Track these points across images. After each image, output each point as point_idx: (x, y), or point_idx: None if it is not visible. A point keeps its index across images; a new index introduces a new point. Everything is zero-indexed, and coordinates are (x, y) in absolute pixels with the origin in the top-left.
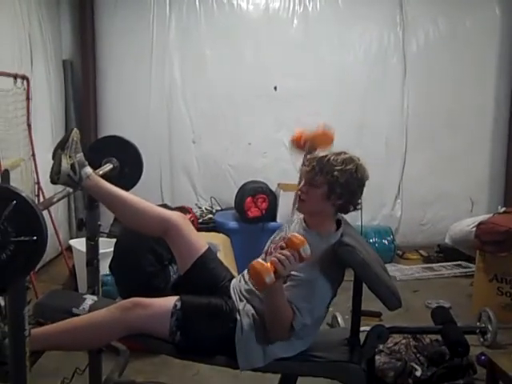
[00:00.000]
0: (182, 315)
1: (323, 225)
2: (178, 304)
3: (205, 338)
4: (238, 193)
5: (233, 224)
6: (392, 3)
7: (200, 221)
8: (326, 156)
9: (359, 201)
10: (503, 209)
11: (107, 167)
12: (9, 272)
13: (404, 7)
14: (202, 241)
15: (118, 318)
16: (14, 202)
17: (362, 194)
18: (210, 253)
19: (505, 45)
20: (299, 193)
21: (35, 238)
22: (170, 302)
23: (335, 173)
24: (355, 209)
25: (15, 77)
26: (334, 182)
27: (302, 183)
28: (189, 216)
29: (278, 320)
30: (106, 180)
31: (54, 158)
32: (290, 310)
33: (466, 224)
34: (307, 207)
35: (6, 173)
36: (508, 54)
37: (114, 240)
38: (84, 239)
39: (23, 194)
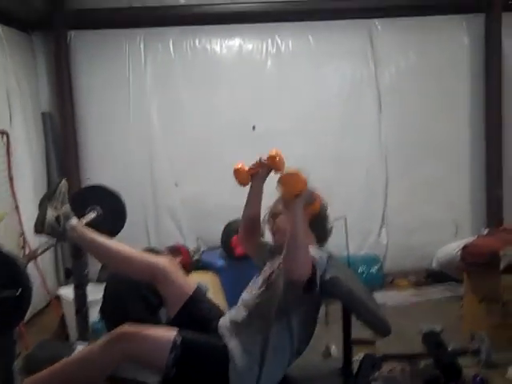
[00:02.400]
0: (181, 353)
1: None
2: (178, 340)
3: (201, 375)
4: (223, 232)
5: (221, 262)
6: (362, 39)
7: None
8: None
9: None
10: (486, 230)
11: (91, 215)
12: None
13: (374, 42)
14: (191, 282)
15: (111, 350)
16: None
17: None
18: (199, 293)
19: (475, 72)
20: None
21: (19, 291)
22: (169, 336)
23: None
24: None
25: None
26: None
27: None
28: (179, 258)
29: (301, 238)
30: (91, 228)
31: (40, 207)
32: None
33: (452, 248)
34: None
35: None
36: (479, 81)
37: (102, 286)
38: (72, 287)
39: (4, 250)
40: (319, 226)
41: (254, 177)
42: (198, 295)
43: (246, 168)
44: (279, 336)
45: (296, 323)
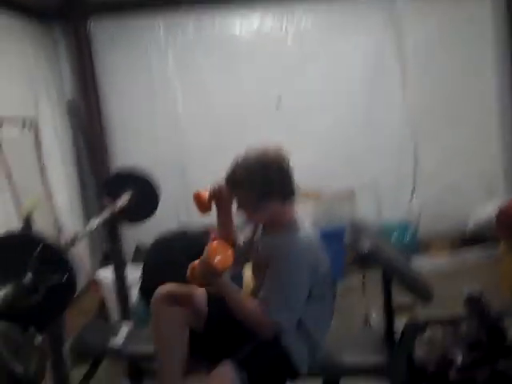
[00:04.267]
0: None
1: (275, 224)
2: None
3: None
4: None
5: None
6: (384, 8)
7: None
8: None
9: (292, 181)
10: None
11: (125, 199)
12: (44, 314)
13: (396, 11)
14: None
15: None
16: (40, 246)
17: (283, 173)
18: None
19: (500, 38)
20: (244, 218)
21: (65, 278)
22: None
23: (242, 178)
24: (292, 191)
25: (23, 122)
26: (246, 187)
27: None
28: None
29: (245, 315)
30: (126, 210)
31: None
32: (252, 303)
33: (487, 210)
34: (256, 219)
35: (28, 219)
36: (504, 46)
37: (140, 266)
38: (110, 269)
39: (47, 239)
40: (281, 182)
41: (218, 201)
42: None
43: (207, 193)
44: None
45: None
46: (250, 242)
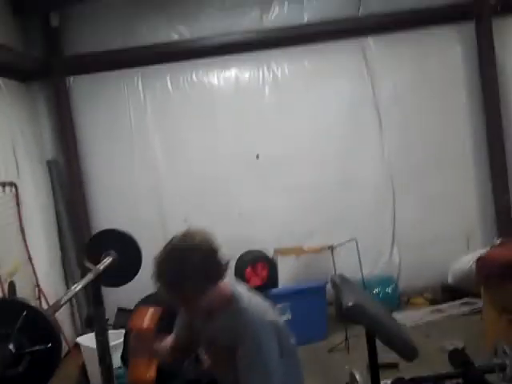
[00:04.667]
0: None
1: (218, 306)
2: None
3: None
4: (236, 264)
5: None
6: (357, 58)
7: None
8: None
9: (218, 262)
10: (499, 240)
11: (108, 261)
12: (28, 382)
13: (369, 60)
14: None
15: None
16: (25, 313)
17: (210, 258)
18: None
19: (471, 79)
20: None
21: (50, 344)
22: None
23: (174, 282)
24: (224, 269)
25: (3, 185)
26: (178, 286)
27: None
28: None
29: None
30: (108, 273)
31: None
32: None
33: (465, 261)
34: (196, 313)
35: (12, 285)
36: (476, 89)
37: (121, 331)
38: (90, 335)
39: (32, 304)
40: (211, 267)
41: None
42: None
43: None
44: None
45: None
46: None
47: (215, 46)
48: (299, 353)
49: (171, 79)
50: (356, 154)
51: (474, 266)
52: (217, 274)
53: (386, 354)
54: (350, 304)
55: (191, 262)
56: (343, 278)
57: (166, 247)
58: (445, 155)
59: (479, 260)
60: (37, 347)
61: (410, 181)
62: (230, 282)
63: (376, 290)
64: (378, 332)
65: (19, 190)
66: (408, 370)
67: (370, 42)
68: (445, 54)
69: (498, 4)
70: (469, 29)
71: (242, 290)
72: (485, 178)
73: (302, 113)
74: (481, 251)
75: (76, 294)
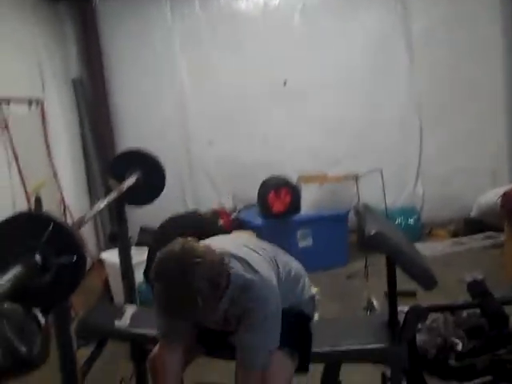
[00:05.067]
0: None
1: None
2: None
3: None
4: (259, 189)
5: (259, 220)
6: None
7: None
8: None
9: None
10: None
11: (132, 180)
12: (53, 294)
13: None
14: None
15: None
16: (51, 226)
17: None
18: None
19: (507, 16)
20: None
21: (75, 258)
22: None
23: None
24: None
25: (30, 101)
26: (191, 307)
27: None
28: (221, 220)
29: None
30: (132, 192)
31: None
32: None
33: (491, 196)
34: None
35: (39, 200)
36: (511, 26)
37: (144, 248)
38: (114, 251)
39: (58, 219)
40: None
41: None
42: None
43: None
44: None
45: None
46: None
47: None
48: (319, 278)
49: (200, 3)
50: (385, 84)
51: (499, 201)
52: (225, 279)
53: (404, 284)
54: (373, 232)
55: (199, 280)
56: (367, 207)
57: (165, 264)
58: (475, 91)
59: (505, 195)
60: (62, 259)
61: (438, 114)
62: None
63: (398, 221)
64: (398, 260)
65: (45, 107)
66: (425, 299)
67: None
68: None
69: None
70: None
71: (238, 259)
72: None
73: (330, 42)
74: (507, 186)
75: (100, 211)
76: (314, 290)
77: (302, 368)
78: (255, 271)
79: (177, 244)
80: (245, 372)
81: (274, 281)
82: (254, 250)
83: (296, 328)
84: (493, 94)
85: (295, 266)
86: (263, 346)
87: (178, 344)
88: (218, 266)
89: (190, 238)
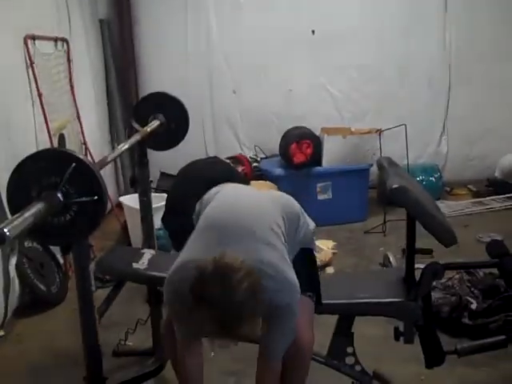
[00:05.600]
0: None
1: None
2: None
3: None
4: (282, 140)
5: (279, 171)
6: None
7: None
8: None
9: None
10: None
11: (155, 123)
12: (74, 232)
13: None
14: None
15: None
16: (74, 164)
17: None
18: None
19: None
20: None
21: (96, 197)
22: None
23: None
24: None
25: (55, 40)
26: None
27: None
28: (241, 168)
29: None
30: (154, 136)
31: None
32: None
33: None
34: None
35: (62, 138)
36: None
37: (163, 195)
38: (133, 195)
39: (81, 157)
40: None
41: None
42: None
43: None
44: None
45: None
46: None
47: None
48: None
49: None
50: (415, 36)
51: None
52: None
53: (421, 242)
54: (395, 186)
55: (245, 305)
56: (390, 161)
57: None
58: (509, 51)
59: None
60: (83, 198)
61: (468, 71)
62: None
63: (420, 178)
64: (419, 215)
65: (71, 47)
66: (442, 258)
67: None
68: None
69: None
70: None
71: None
72: None
73: None
74: None
75: (121, 154)
76: (312, 224)
77: (317, 303)
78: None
79: (209, 264)
80: (267, 365)
81: (296, 280)
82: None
83: (307, 268)
84: None
85: (296, 210)
86: (287, 340)
87: (199, 346)
88: (256, 278)
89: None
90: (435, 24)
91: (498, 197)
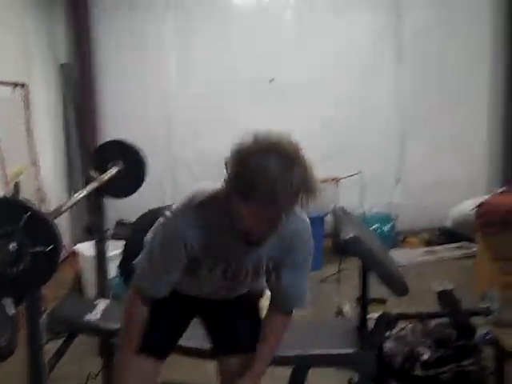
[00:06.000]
0: None
1: None
2: None
3: None
4: None
5: None
6: None
7: None
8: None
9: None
10: (501, 189)
11: (113, 171)
12: (27, 282)
13: None
14: None
15: None
16: (28, 213)
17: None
18: None
19: (497, 25)
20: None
21: (51, 247)
22: None
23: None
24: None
25: (14, 85)
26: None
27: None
28: None
29: None
30: (112, 183)
31: None
32: None
33: (467, 206)
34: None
35: (17, 186)
36: (501, 35)
37: (120, 242)
38: (89, 243)
39: (35, 207)
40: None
41: None
42: None
43: None
44: None
45: None
46: None
47: None
48: None
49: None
50: (371, 87)
51: (474, 211)
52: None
53: (375, 291)
54: (349, 236)
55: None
56: (344, 211)
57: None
58: (460, 99)
59: (480, 206)
60: (38, 248)
61: (421, 121)
62: None
63: (375, 226)
64: (372, 265)
65: (30, 92)
66: (395, 307)
67: None
68: None
69: None
70: None
71: None
72: (497, 126)
73: (321, 40)
74: (483, 197)
75: (78, 202)
76: None
77: None
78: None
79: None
80: (286, 317)
81: None
82: None
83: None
84: (477, 103)
85: None
86: (306, 284)
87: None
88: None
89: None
90: (389, 76)
91: (449, 246)
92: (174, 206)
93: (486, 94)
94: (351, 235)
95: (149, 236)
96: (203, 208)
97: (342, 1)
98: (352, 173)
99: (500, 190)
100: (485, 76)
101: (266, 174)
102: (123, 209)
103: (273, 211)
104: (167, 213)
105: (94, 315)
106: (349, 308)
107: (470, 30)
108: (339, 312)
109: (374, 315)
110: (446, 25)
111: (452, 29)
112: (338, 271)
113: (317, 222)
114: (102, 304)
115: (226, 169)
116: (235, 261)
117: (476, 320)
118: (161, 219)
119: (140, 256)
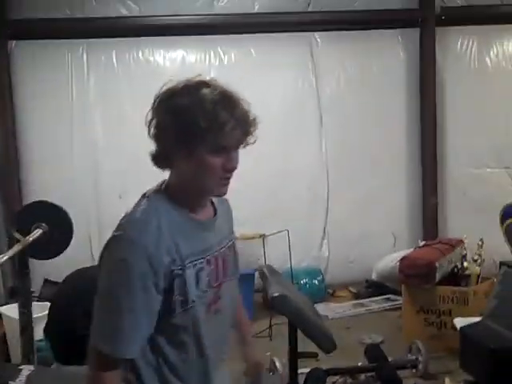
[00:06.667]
0: None
1: None
2: None
3: None
4: None
5: None
6: (303, 52)
7: None
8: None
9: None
10: (423, 242)
11: (37, 233)
12: None
13: (315, 55)
14: None
15: None
16: None
17: None
18: None
19: (411, 85)
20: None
21: None
22: None
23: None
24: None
25: None
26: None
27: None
28: None
29: None
30: (36, 246)
31: None
32: None
33: (390, 260)
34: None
35: None
36: (415, 95)
37: (46, 303)
38: (14, 305)
39: None
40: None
41: None
42: None
43: None
44: None
45: None
46: None
47: (164, 26)
48: None
49: (117, 54)
50: (295, 147)
51: (397, 265)
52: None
53: (308, 345)
54: (276, 294)
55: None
56: (271, 269)
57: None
58: (380, 155)
59: (403, 260)
60: None
61: (344, 177)
62: None
63: (303, 281)
64: (299, 323)
65: None
66: (327, 361)
67: (317, 37)
68: (388, 57)
69: (443, 14)
70: (413, 35)
71: None
72: (415, 181)
73: (245, 98)
74: (405, 251)
75: (1, 264)
76: None
77: None
78: None
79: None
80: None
81: None
82: None
83: None
84: (396, 157)
85: None
86: None
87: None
88: None
89: None
90: (313, 136)
91: (376, 298)
92: (115, 233)
93: (404, 149)
94: (277, 294)
95: (100, 284)
96: (150, 211)
97: (263, 62)
98: (279, 230)
99: (421, 244)
100: (402, 134)
101: (213, 105)
102: (51, 267)
103: (231, 139)
104: (115, 235)
105: (18, 383)
106: (280, 363)
107: (386, 90)
108: (271, 367)
109: (304, 370)
110: (363, 86)
111: (369, 88)
112: (270, 326)
113: (246, 278)
114: (26, 370)
115: (159, 134)
116: (210, 251)
117: (403, 372)
118: (108, 249)
119: (95, 312)
